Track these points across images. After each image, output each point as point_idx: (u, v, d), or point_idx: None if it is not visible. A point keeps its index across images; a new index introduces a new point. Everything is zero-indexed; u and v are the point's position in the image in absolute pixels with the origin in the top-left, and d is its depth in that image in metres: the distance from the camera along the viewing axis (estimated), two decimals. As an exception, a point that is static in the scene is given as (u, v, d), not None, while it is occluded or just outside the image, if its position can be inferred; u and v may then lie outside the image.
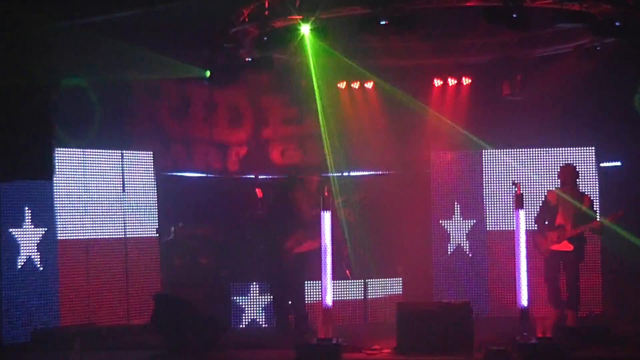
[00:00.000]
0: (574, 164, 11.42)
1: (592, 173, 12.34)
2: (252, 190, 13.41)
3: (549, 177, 12.08)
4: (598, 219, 10.98)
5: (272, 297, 11.64)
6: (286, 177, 11.79)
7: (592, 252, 12.23)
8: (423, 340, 9.66)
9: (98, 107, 12.23)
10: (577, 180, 11.17)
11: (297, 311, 11.35)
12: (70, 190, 11.51)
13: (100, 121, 12.15)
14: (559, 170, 11.34)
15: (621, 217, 10.89)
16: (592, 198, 11.18)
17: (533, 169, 12.32)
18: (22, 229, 11.02)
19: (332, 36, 11.68)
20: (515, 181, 10.28)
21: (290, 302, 11.41)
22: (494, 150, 12.65)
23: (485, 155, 12.67)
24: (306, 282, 11.53)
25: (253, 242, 13.24)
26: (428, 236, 12.82)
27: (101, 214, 11.76)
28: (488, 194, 12.62)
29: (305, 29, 11.21)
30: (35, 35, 10.64)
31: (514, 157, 12.54)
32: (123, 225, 11.93)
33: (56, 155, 11.27)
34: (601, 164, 12.53)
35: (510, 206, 11.78)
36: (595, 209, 11.16)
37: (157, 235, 12.25)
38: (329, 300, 9.65)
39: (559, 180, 11.25)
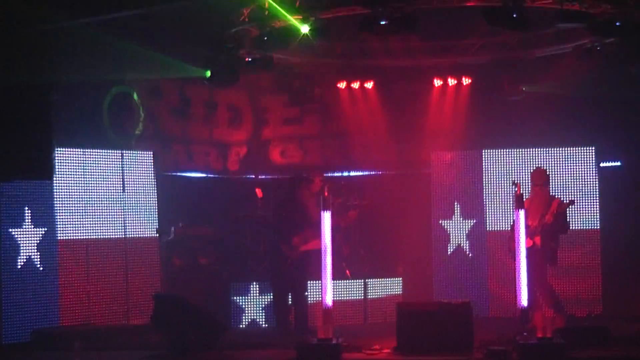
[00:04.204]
0: (544, 167, 11.40)
1: (592, 173, 12.34)
2: (252, 190, 13.42)
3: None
4: (549, 215, 10.85)
5: (272, 296, 11.62)
6: (292, 177, 11.78)
7: (592, 252, 12.26)
8: (423, 340, 9.66)
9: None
10: (549, 181, 11.15)
11: (298, 309, 11.35)
12: (70, 190, 11.50)
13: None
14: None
15: (570, 205, 10.90)
16: (562, 201, 11.06)
17: (533, 169, 12.29)
18: (22, 229, 11.01)
19: (332, 36, 11.68)
20: (515, 181, 10.27)
21: (290, 301, 11.41)
22: (494, 150, 12.65)
23: (485, 155, 12.67)
24: (308, 281, 11.54)
25: (253, 242, 13.25)
26: (428, 236, 12.83)
27: (101, 214, 11.75)
28: (488, 194, 12.63)
29: (305, 29, 11.20)
30: (35, 35, 10.65)
31: (514, 157, 12.55)
32: (123, 225, 11.92)
33: (56, 155, 11.28)
34: (601, 164, 12.52)
35: (510, 206, 11.78)
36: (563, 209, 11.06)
37: (157, 235, 12.24)
38: (329, 300, 9.65)
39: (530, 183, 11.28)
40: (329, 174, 13.79)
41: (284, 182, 12.24)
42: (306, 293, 11.48)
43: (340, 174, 14.52)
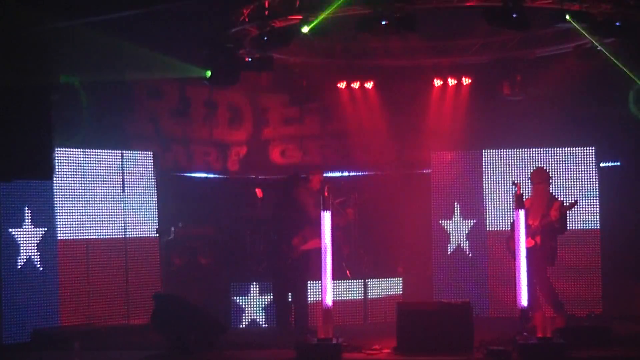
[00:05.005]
0: (542, 167, 11.38)
1: (592, 173, 12.34)
2: (252, 190, 13.43)
3: (549, 177, 12.08)
4: (555, 211, 10.76)
5: (272, 296, 11.62)
6: (288, 176, 11.77)
7: (592, 252, 12.25)
8: (423, 340, 9.67)
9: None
10: (549, 180, 11.10)
11: (298, 309, 11.34)
12: (70, 190, 11.50)
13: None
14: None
15: (574, 206, 10.84)
16: (564, 203, 10.94)
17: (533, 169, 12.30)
18: (22, 229, 11.01)
19: (332, 36, 11.69)
20: (515, 181, 10.26)
21: (290, 300, 11.41)
22: (494, 150, 12.65)
23: (485, 155, 12.67)
24: (309, 281, 11.55)
25: (253, 242, 13.25)
26: (428, 236, 12.82)
27: (101, 214, 11.75)
28: (488, 194, 12.62)
29: (305, 29, 11.20)
30: (35, 35, 10.65)
31: (514, 157, 12.54)
32: (123, 225, 11.92)
33: (56, 155, 11.29)
34: (601, 164, 12.52)
35: (510, 206, 11.77)
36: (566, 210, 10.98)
37: (157, 235, 12.24)
38: (329, 300, 9.65)
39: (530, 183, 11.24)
40: (329, 174, 13.78)
41: (280, 182, 12.16)
42: (308, 293, 11.47)
43: (340, 174, 14.53)
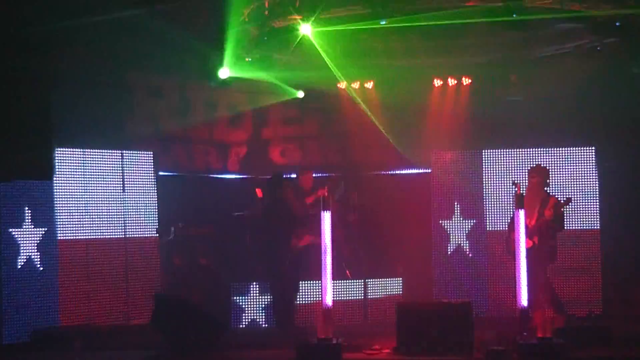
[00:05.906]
0: (543, 164, 11.36)
1: (592, 173, 12.34)
2: (252, 190, 13.41)
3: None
4: (549, 210, 10.74)
5: (271, 296, 11.63)
6: (272, 176, 11.74)
7: (592, 252, 12.25)
8: (423, 340, 9.66)
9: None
10: (543, 176, 11.03)
11: (286, 305, 11.36)
12: (70, 190, 11.51)
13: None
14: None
15: (568, 203, 10.82)
16: (559, 200, 10.95)
17: (532, 168, 12.30)
18: (22, 229, 11.01)
19: (332, 36, 11.69)
20: (515, 181, 10.25)
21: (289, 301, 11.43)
22: (494, 150, 12.65)
23: (485, 155, 12.66)
24: (307, 281, 11.55)
25: (253, 242, 13.24)
26: (428, 236, 12.81)
27: (101, 214, 11.76)
28: (488, 194, 12.62)
29: (305, 29, 11.20)
30: (36, 35, 10.66)
31: (514, 157, 12.54)
32: (123, 225, 11.93)
33: (56, 155, 11.29)
34: (605, 164, 12.52)
35: (510, 206, 11.77)
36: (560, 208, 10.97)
37: (157, 235, 12.25)
38: (329, 300, 9.65)
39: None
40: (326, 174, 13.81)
41: (266, 183, 12.07)
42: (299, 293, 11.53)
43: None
